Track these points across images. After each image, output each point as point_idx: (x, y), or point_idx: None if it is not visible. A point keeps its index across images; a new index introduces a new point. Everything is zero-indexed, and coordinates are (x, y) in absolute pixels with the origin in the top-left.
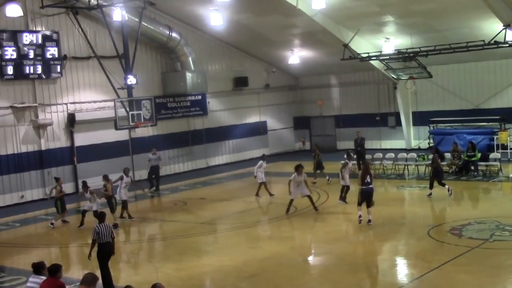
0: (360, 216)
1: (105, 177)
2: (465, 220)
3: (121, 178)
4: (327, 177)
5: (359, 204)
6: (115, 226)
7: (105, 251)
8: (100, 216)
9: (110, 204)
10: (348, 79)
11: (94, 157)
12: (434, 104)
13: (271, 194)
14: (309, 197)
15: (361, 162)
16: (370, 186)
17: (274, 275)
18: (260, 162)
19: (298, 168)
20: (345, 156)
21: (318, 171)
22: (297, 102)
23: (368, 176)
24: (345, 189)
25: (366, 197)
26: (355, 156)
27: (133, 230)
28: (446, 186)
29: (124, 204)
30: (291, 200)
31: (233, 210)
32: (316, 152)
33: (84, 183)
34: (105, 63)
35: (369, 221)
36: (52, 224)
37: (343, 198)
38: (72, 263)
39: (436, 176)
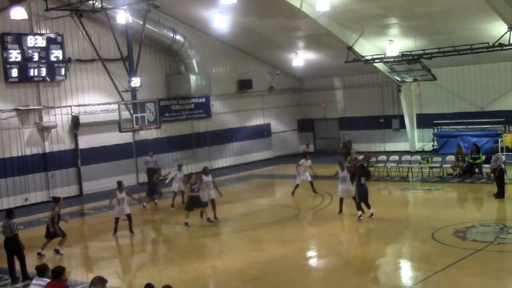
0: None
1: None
2: (470, 222)
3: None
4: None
5: None
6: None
7: (8, 244)
8: (6, 213)
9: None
10: (352, 81)
11: (98, 159)
12: (438, 106)
13: (172, 206)
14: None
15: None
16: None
17: (277, 278)
18: (176, 172)
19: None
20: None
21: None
22: (301, 104)
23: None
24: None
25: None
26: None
27: (136, 233)
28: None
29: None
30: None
31: (237, 213)
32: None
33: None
34: (109, 65)
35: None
36: (144, 206)
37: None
38: (76, 266)
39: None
